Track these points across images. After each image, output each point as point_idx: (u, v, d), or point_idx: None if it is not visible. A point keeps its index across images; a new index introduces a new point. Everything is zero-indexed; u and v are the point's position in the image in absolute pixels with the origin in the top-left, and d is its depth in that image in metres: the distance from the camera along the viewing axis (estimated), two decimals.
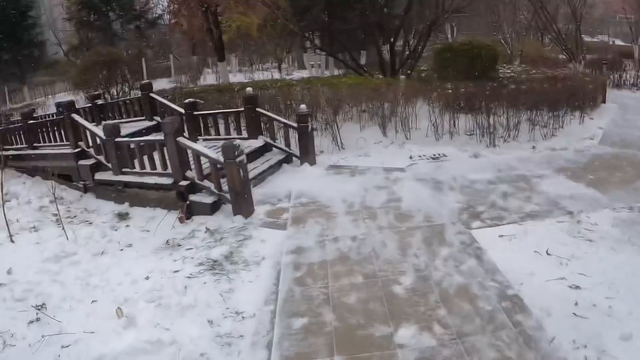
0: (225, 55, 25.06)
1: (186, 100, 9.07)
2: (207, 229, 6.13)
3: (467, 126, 9.33)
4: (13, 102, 22.66)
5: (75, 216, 7.67)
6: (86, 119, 11.97)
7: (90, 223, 7.30)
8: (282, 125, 8.18)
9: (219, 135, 8.88)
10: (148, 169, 7.22)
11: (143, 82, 10.46)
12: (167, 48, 26.82)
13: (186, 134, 9.27)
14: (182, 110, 9.17)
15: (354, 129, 9.59)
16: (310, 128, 7.75)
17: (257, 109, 8.14)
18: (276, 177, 7.72)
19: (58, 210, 7.15)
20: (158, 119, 9.99)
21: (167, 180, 6.96)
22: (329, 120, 8.89)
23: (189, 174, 6.73)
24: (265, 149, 8.32)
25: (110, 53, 13.66)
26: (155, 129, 9.94)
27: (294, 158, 8.17)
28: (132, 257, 5.95)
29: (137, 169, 7.39)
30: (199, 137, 9.15)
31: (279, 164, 8.04)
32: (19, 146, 9.87)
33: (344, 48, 13.70)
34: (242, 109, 8.28)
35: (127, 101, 10.69)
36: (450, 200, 6.36)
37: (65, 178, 8.84)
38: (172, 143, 6.53)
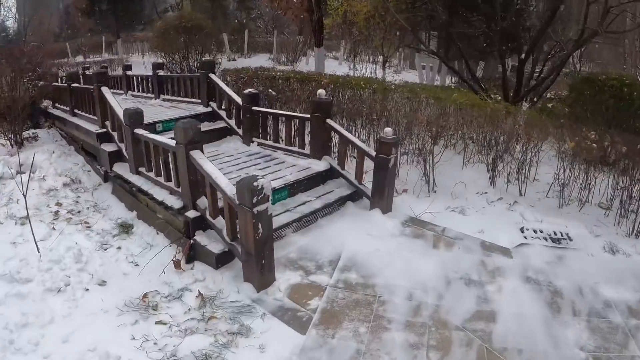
0: (333, 42, 23.19)
1: (246, 91, 7.08)
2: (200, 294, 4.11)
3: (604, 193, 6.45)
4: (104, 54, 22.43)
5: (79, 212, 6.04)
6: (142, 90, 10.63)
7: (89, 227, 5.62)
8: (357, 149, 5.92)
9: (278, 142, 6.84)
10: (162, 179, 5.35)
11: (205, 58, 8.65)
12: (276, 24, 25.27)
13: (241, 131, 7.35)
14: (240, 101, 7.23)
15: (454, 164, 7.06)
16: (393, 162, 5.42)
17: (328, 121, 5.92)
18: (331, 222, 5.48)
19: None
20: (214, 105, 8.16)
21: (176, 202, 5.04)
22: (423, 149, 6.50)
23: (200, 202, 4.73)
24: (329, 175, 6.12)
25: (191, 19, 12.11)
26: (210, 117, 8.12)
27: (364, 197, 5.87)
28: (91, 309, 4.09)
29: (153, 174, 5.55)
30: (253, 139, 7.19)
31: (341, 202, 5.80)
32: (65, 108, 8.56)
33: (462, 55, 10.97)
34: (309, 115, 6.10)
35: (188, 78, 8.94)
36: (571, 341, 3.76)
37: (94, 157, 7.34)
38: (183, 156, 4.55)
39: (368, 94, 9.57)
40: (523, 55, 9.73)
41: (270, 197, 3.91)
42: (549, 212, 6.21)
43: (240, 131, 7.47)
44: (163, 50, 12.65)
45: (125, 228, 5.61)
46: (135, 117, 5.58)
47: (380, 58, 14.47)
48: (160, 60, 13.04)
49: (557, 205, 6.39)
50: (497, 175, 6.65)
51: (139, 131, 5.55)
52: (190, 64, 12.85)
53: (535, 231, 5.68)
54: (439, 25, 12.80)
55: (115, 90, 12.21)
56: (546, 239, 5.54)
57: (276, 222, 5.00)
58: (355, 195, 5.93)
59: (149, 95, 10.17)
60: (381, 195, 5.56)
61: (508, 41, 10.89)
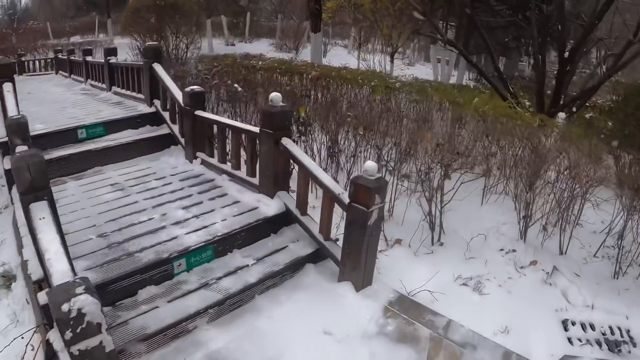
0: (344, 28, 20.93)
1: (187, 89, 5.04)
2: None
3: None
4: (97, 35, 20.46)
5: None
6: (98, 80, 8.63)
7: None
8: (322, 188, 3.83)
9: (225, 163, 4.80)
10: None
11: (149, 44, 6.59)
12: (283, 6, 23.04)
13: (185, 138, 5.33)
14: (181, 101, 5.20)
15: (471, 197, 4.96)
16: (375, 218, 3.33)
17: (283, 141, 3.85)
18: (275, 302, 3.46)
19: None
20: (159, 105, 6.13)
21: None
22: (429, 183, 4.41)
23: None
24: (284, 220, 4.08)
25: None
26: (152, 119, 6.11)
27: (330, 260, 3.81)
28: None
29: None
30: (197, 155, 5.17)
31: (296, 266, 3.77)
32: None
33: (486, 48, 8.71)
34: (259, 131, 4.04)
35: (133, 69, 6.91)
36: None
37: None
38: None
39: (367, 93, 7.50)
40: (567, 53, 7.43)
41: (103, 327, 1.89)
42: (600, 285, 4.12)
43: (182, 140, 5.44)
44: (135, 33, 10.61)
45: (7, 280, 3.70)
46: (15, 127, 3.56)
47: (388, 49, 12.22)
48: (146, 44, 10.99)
49: (610, 273, 4.28)
50: (529, 217, 4.53)
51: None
52: (169, 49, 10.81)
53: (584, 327, 3.63)
54: (458, 12, 10.54)
55: (76, 78, 10.34)
56: (600, 343, 3.50)
57: (182, 308, 3.14)
58: (318, 256, 3.88)
59: (103, 86, 8.20)
60: (355, 264, 3.50)
61: (548, 33, 8.61)
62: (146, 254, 3.51)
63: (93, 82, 8.90)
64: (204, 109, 5.07)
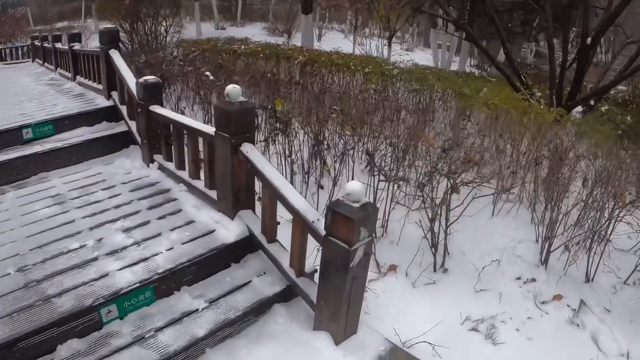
0: (339, 12, 19.84)
1: (141, 79, 4.14)
2: None
3: None
4: (84, 21, 19.39)
5: None
6: (65, 69, 7.69)
7: None
8: (292, 212, 2.92)
9: (183, 170, 3.92)
10: None
11: (105, 27, 5.64)
12: None
13: (141, 138, 4.47)
14: (135, 94, 4.31)
15: (480, 209, 4.06)
16: (360, 258, 2.43)
17: (244, 148, 2.95)
18: (233, 357, 2.66)
19: None
20: (116, 98, 5.22)
21: None
22: (433, 195, 3.52)
23: None
24: (247, 246, 3.21)
25: None
26: (111, 115, 5.23)
27: (302, 300, 2.93)
28: None
29: None
30: (155, 158, 4.29)
31: (259, 309, 2.88)
32: None
33: (497, 31, 7.74)
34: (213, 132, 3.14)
35: (92, 56, 5.98)
36: None
37: None
38: None
39: (361, 82, 6.59)
40: (589, 39, 6.43)
41: None
42: (635, 324, 3.31)
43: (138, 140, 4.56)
44: (111, 17, 9.63)
45: None
46: None
47: (386, 33, 11.22)
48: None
49: None
50: (553, 239, 3.67)
51: None
52: (147, 33, 9.83)
53: None
54: None
55: (49, 66, 9.39)
56: None
57: None
58: (291, 292, 3.02)
59: (70, 75, 7.28)
60: (334, 314, 2.63)
61: (567, 17, 7.63)
62: (66, 300, 2.68)
63: (62, 72, 7.98)
64: (160, 104, 4.18)
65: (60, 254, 3.08)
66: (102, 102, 5.43)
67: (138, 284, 2.75)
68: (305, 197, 4.09)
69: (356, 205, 2.27)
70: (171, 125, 3.89)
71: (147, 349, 2.57)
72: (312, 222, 2.55)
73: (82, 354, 2.54)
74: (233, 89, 2.90)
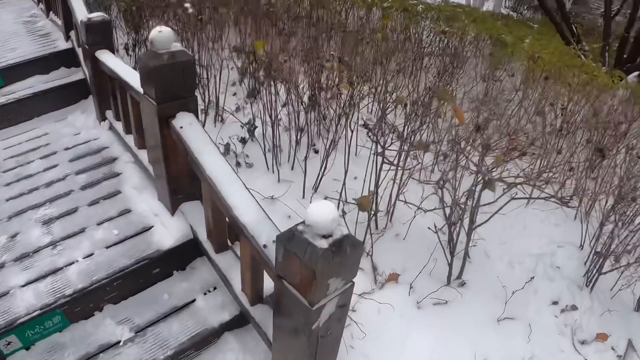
0: None
1: (84, 17, 3.17)
2: None
3: None
4: None
5: None
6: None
7: None
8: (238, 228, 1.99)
9: (131, 133, 3.01)
10: None
11: None
12: None
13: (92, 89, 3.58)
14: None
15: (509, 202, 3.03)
16: (321, 320, 1.51)
17: (177, 122, 2.00)
18: None
19: None
20: (75, 39, 4.25)
21: None
22: (452, 193, 2.54)
23: None
24: (192, 251, 2.35)
25: None
26: (70, 59, 4.32)
27: (258, 334, 2.09)
28: None
29: None
30: (106, 115, 3.41)
31: (203, 341, 2.08)
32: None
33: None
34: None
35: None
36: None
37: None
38: None
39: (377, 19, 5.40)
40: None
41: None
42: None
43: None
44: None
45: None
46: None
47: None
48: None
49: None
50: (607, 257, 2.68)
51: None
52: None
53: None
54: None
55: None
56: None
57: None
58: (241, 321, 2.19)
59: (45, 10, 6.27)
60: None
61: None
62: None
63: (42, 6, 6.96)
64: (109, 48, 3.22)
65: None
66: (62, 43, 4.49)
67: (39, 311, 1.97)
68: (293, 164, 3.17)
69: (323, 243, 1.34)
70: (116, 81, 2.95)
71: None
72: (264, 246, 1.65)
73: None
74: (159, 34, 1.92)
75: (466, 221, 2.54)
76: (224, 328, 2.16)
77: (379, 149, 2.52)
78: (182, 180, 2.19)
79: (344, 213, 2.72)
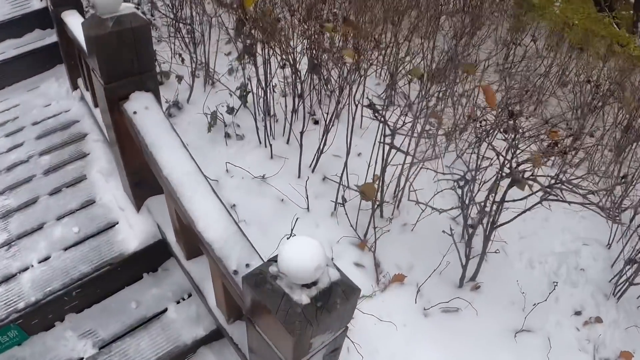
0: None
1: None
2: None
3: None
4: None
5: None
6: None
7: None
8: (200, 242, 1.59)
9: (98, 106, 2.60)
10: None
11: None
12: None
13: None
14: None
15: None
16: None
17: (131, 107, 1.59)
18: None
19: None
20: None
21: None
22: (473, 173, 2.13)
23: None
24: (160, 254, 2.00)
25: None
26: (41, 21, 3.86)
27: (237, 355, 1.76)
28: None
29: None
30: (78, 83, 3.01)
31: (177, 357, 1.78)
32: None
33: None
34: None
35: None
36: None
37: None
38: None
39: None
40: None
41: None
42: None
43: None
44: None
45: None
46: None
47: None
48: None
49: None
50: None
51: None
52: None
53: None
54: None
55: None
56: None
57: None
58: (219, 336, 1.87)
59: None
60: None
61: None
62: None
63: None
64: (78, 9, 2.77)
65: None
66: (36, 3, 4.00)
67: None
68: (289, 137, 2.75)
69: (303, 297, 0.98)
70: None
71: None
72: (234, 272, 1.28)
73: None
74: None
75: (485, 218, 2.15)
76: (199, 344, 1.84)
77: (387, 135, 2.10)
78: (144, 172, 1.81)
79: (344, 200, 2.34)
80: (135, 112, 1.55)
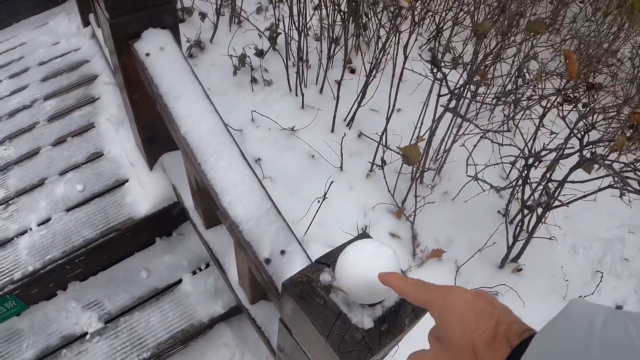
0: None
1: None
2: None
3: None
4: None
5: None
6: None
7: None
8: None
9: None
10: None
11: None
12: None
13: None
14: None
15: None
16: None
17: (141, 48, 1.28)
18: None
19: None
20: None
21: None
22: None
23: None
24: (172, 216, 1.72)
25: None
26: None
27: (260, 339, 1.53)
28: None
29: None
30: (90, 18, 2.64)
31: (192, 332, 1.56)
32: None
33: None
34: None
35: None
36: None
37: None
38: None
39: None
40: None
41: None
42: None
43: None
44: None
45: None
46: None
47: None
48: None
49: None
50: None
51: None
52: None
53: None
54: None
55: None
56: None
57: None
58: (238, 312, 1.63)
59: None
60: None
61: None
62: None
63: None
64: None
65: None
66: None
67: None
68: (322, 86, 2.41)
69: (365, 320, 0.72)
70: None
71: None
72: (266, 260, 1.01)
73: None
74: None
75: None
76: (216, 321, 1.61)
77: (443, 95, 1.76)
78: (158, 126, 1.51)
79: (383, 163, 2.03)
80: (147, 54, 1.23)
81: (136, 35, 1.27)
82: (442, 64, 1.60)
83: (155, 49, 1.24)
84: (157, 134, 1.51)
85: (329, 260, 0.78)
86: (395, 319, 0.73)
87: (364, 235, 0.80)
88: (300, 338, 0.88)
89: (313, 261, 0.82)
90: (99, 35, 2.44)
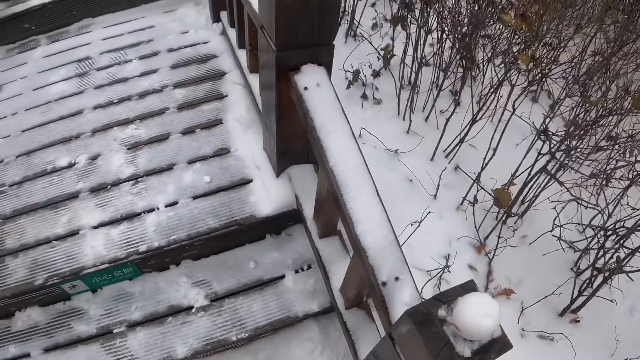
0: None
1: None
2: None
3: None
4: None
5: None
6: None
7: None
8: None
9: (243, 48, 2.52)
10: None
11: None
12: None
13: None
14: None
15: None
16: None
17: (300, 80, 1.49)
18: None
19: None
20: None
21: None
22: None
23: None
24: (294, 215, 1.97)
25: None
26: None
27: (346, 340, 1.74)
28: None
29: None
30: (221, 15, 2.93)
31: (282, 323, 1.80)
32: None
33: None
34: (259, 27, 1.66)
35: None
36: None
37: None
38: None
39: None
40: None
41: None
42: None
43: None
44: None
45: None
46: None
47: None
48: None
49: None
50: None
51: None
52: None
53: None
54: None
55: None
56: None
57: None
58: (327, 311, 1.86)
59: None
60: None
61: None
62: (17, 265, 1.82)
63: None
64: None
65: (42, 175, 2.17)
66: None
67: (107, 265, 1.75)
68: (429, 115, 2.56)
69: (466, 350, 0.95)
70: None
71: (107, 353, 1.67)
72: (382, 283, 1.21)
73: (38, 330, 1.76)
74: None
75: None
76: (309, 317, 1.84)
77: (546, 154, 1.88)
78: (295, 143, 1.74)
79: (475, 201, 2.17)
80: (306, 88, 1.45)
81: (296, 67, 1.49)
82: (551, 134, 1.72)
83: (313, 84, 1.45)
84: (292, 149, 1.74)
85: (445, 298, 0.99)
86: (486, 352, 0.94)
87: (471, 283, 1.02)
88: (404, 352, 1.08)
89: (424, 296, 1.01)
90: (230, 35, 2.70)
